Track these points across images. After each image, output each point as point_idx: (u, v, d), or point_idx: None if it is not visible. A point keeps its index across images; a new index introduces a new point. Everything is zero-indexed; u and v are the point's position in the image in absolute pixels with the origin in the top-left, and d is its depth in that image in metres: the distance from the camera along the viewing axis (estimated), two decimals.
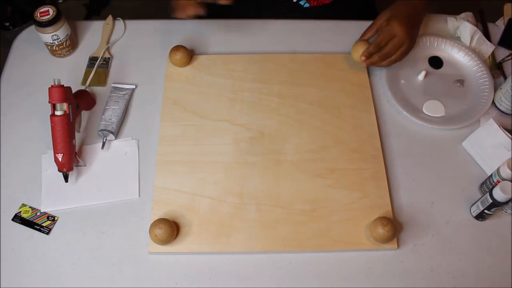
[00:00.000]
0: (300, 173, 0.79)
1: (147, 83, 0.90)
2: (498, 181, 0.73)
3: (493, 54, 0.94)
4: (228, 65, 0.91)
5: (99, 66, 0.91)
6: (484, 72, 0.90)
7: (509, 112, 0.87)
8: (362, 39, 0.88)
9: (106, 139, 0.81)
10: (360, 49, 0.85)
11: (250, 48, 0.95)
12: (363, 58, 0.84)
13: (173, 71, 0.90)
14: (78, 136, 0.82)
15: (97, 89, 0.89)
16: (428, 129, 0.85)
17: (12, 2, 1.87)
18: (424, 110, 0.87)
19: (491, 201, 0.71)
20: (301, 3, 0.99)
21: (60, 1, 2.00)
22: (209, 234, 0.74)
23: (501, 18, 1.01)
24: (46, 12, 0.86)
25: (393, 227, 0.70)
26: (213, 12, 0.98)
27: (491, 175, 0.76)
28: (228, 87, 0.89)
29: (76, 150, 0.79)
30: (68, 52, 0.93)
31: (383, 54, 0.84)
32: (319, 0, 1.00)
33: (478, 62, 0.91)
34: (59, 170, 0.76)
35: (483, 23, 0.99)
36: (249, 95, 0.88)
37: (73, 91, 0.79)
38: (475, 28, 0.93)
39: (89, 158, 0.81)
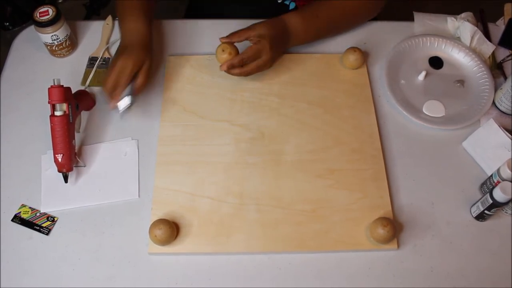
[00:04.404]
0: (300, 174, 0.79)
1: (147, 83, 0.90)
2: (498, 182, 0.73)
3: (493, 54, 0.94)
4: None
5: (99, 66, 0.91)
6: (485, 72, 0.90)
7: (509, 112, 0.86)
8: (228, 41, 0.84)
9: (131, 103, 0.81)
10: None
11: None
12: (224, 67, 0.82)
13: (173, 71, 0.90)
14: (77, 137, 0.82)
15: (97, 90, 0.89)
16: (428, 130, 0.85)
17: (12, 2, 1.87)
18: (424, 111, 0.87)
19: (491, 201, 0.71)
20: (286, 2, 0.98)
21: (60, 1, 2.00)
22: (209, 234, 0.74)
23: (501, 18, 1.01)
24: (46, 12, 0.86)
25: (393, 228, 0.70)
26: (213, 13, 0.99)
27: (491, 175, 0.76)
28: (228, 87, 0.88)
29: (76, 151, 0.79)
30: (67, 52, 0.93)
31: (244, 71, 0.83)
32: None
33: (479, 62, 0.91)
34: (59, 171, 0.75)
35: (483, 23, 0.99)
36: (249, 95, 0.88)
37: (73, 91, 0.79)
38: (475, 28, 0.93)
39: (88, 158, 0.81)
